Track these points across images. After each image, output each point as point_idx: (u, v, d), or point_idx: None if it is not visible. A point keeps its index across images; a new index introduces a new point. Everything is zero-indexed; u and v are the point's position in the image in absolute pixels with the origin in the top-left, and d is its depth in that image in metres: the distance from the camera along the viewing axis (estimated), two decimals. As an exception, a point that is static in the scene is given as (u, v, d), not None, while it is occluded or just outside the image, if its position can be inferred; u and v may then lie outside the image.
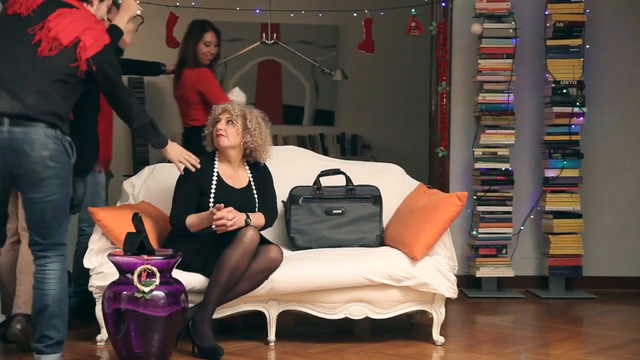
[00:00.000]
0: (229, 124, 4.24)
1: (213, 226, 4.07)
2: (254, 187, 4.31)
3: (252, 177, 4.33)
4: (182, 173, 4.20)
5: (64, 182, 3.50)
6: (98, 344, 4.16)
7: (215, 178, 4.24)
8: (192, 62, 5.15)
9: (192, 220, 4.15)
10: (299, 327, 4.63)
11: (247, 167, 4.35)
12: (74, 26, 3.57)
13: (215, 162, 4.30)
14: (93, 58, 3.56)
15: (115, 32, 4.21)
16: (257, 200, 4.29)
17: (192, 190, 4.21)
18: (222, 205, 4.07)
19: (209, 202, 4.19)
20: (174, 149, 4.13)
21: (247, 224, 4.09)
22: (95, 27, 3.64)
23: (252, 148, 4.27)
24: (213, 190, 4.21)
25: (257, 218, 4.21)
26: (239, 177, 4.31)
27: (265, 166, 4.38)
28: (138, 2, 4.35)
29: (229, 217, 4.05)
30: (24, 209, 3.55)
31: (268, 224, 4.30)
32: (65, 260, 3.59)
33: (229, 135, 4.23)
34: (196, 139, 4.54)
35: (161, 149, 4.07)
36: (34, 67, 3.47)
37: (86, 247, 4.19)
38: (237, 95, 5.21)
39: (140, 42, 5.34)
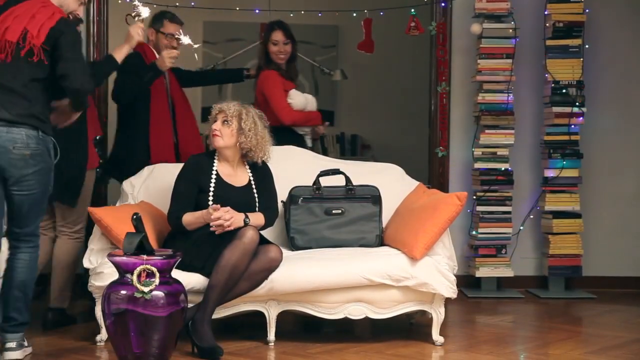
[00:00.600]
0: (225, 124, 4.23)
1: (211, 227, 4.07)
2: (254, 186, 4.31)
3: (252, 176, 4.33)
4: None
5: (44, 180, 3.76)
6: (98, 344, 4.16)
7: (214, 176, 4.24)
8: (263, 63, 5.20)
9: (188, 218, 4.15)
10: (298, 328, 4.63)
11: (247, 166, 4.35)
12: (19, 20, 3.70)
13: (215, 161, 4.30)
14: (45, 43, 3.69)
15: (109, 61, 4.38)
16: (257, 199, 4.29)
17: (191, 188, 4.21)
18: (219, 205, 4.07)
19: (208, 200, 4.20)
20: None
21: (245, 224, 4.09)
22: (42, 11, 3.72)
23: (247, 148, 4.27)
24: (212, 189, 4.21)
25: (257, 218, 4.21)
26: (238, 175, 4.31)
27: (265, 165, 4.37)
28: (141, 33, 4.44)
29: (226, 217, 4.05)
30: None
31: (268, 223, 4.30)
32: (37, 251, 3.90)
33: (224, 136, 4.23)
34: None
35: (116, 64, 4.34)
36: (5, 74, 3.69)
37: None
38: (294, 98, 5.17)
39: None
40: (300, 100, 5.18)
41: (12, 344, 3.81)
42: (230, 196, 4.20)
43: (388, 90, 8.03)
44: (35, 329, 4.56)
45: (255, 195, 4.29)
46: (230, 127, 4.23)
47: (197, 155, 4.39)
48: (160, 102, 4.92)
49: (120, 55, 4.38)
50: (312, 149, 5.22)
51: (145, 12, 4.43)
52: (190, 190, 4.21)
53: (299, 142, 5.12)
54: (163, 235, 4.28)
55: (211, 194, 4.20)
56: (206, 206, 4.17)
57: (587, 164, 5.73)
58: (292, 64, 5.27)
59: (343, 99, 8.23)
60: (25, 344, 3.89)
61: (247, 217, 4.13)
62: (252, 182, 4.31)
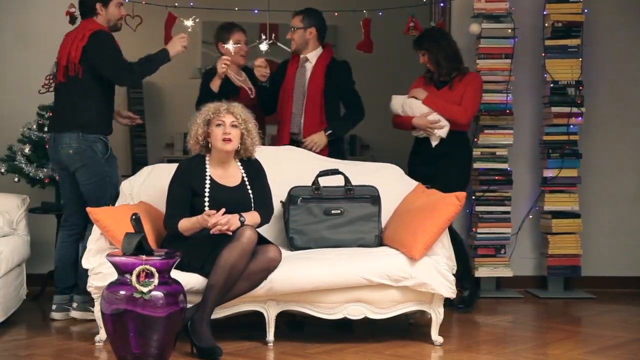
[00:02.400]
0: (234, 127, 4.23)
1: (210, 231, 4.06)
2: (247, 184, 4.29)
3: (245, 173, 4.32)
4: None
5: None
6: (97, 344, 4.16)
7: (207, 180, 4.23)
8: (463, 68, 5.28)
9: (184, 224, 4.14)
10: (298, 327, 4.64)
11: (239, 164, 4.34)
12: (65, 44, 4.68)
13: (207, 164, 4.28)
14: (81, 60, 4.56)
15: (161, 52, 4.76)
16: (252, 197, 4.28)
17: (185, 192, 4.20)
18: (213, 211, 4.06)
19: (204, 203, 4.19)
20: (172, 45, 4.77)
21: (242, 223, 4.08)
22: (78, 34, 4.66)
23: (245, 147, 4.27)
24: (207, 192, 4.20)
25: (252, 216, 4.20)
26: (231, 175, 4.29)
27: (257, 161, 4.36)
28: (183, 45, 4.76)
29: (222, 221, 4.04)
30: None
31: (264, 220, 4.29)
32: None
33: (234, 139, 4.22)
34: None
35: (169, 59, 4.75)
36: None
37: None
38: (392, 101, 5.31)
39: (139, 42, 5.34)
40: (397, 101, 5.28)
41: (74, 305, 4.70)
42: (225, 197, 4.19)
43: (387, 90, 8.00)
44: (35, 329, 4.57)
45: (250, 193, 4.28)
46: (238, 130, 4.22)
47: (187, 159, 4.36)
48: None
49: (170, 51, 4.77)
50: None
51: (188, 23, 4.85)
52: (185, 195, 4.20)
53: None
54: (162, 235, 4.28)
55: (206, 197, 4.19)
56: (202, 209, 4.16)
57: (586, 164, 5.73)
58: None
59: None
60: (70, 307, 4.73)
61: (241, 216, 4.12)
62: (246, 180, 4.30)
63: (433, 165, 5.10)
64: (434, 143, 5.14)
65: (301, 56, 5.20)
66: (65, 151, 4.61)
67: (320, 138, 5.07)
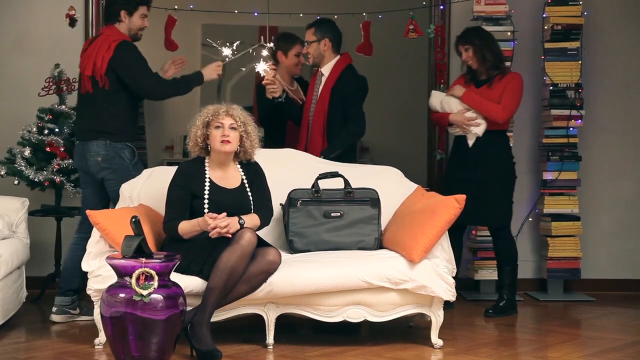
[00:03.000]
0: (232, 129, 4.22)
1: (210, 234, 4.06)
2: (247, 186, 4.29)
3: (244, 176, 4.31)
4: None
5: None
6: (96, 347, 4.15)
7: (207, 182, 4.23)
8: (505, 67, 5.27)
9: (184, 227, 4.14)
10: (298, 330, 4.63)
11: (238, 166, 4.34)
12: (90, 53, 4.73)
13: (206, 166, 4.28)
14: (107, 71, 4.64)
15: (196, 75, 4.91)
16: (251, 199, 4.28)
17: (184, 195, 4.20)
18: (215, 215, 4.06)
19: (204, 205, 4.18)
20: (208, 70, 4.91)
21: (241, 226, 4.08)
22: (102, 44, 4.70)
23: (244, 150, 4.27)
24: (207, 194, 4.20)
25: (251, 219, 4.20)
26: (230, 177, 4.29)
27: (256, 164, 4.36)
28: (218, 73, 4.93)
29: (222, 225, 4.03)
30: None
31: (264, 223, 4.29)
32: None
33: (233, 141, 4.22)
34: None
35: (202, 82, 4.89)
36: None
37: None
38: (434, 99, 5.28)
39: (139, 45, 5.34)
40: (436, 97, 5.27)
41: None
42: (225, 199, 4.19)
43: (387, 93, 8.02)
44: (34, 332, 4.57)
45: (250, 195, 4.28)
46: (237, 132, 4.22)
47: (186, 162, 4.35)
48: None
49: (205, 76, 4.91)
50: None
51: (227, 52, 4.98)
52: (184, 198, 4.20)
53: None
54: (161, 238, 4.28)
55: (206, 199, 4.19)
56: (201, 212, 4.15)
57: (586, 167, 5.74)
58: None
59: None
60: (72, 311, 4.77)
61: (241, 218, 4.12)
62: (245, 182, 4.30)
63: (472, 168, 5.10)
64: (470, 142, 5.13)
65: (319, 70, 5.20)
66: (94, 159, 4.70)
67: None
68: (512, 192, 5.21)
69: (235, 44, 4.98)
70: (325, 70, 5.16)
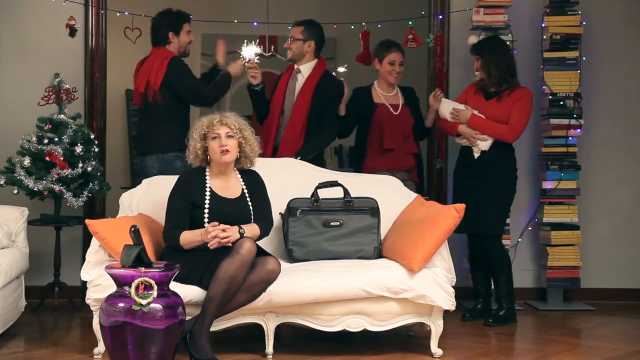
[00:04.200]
0: (229, 138, 4.23)
1: (209, 244, 4.06)
2: (247, 196, 4.29)
3: (245, 185, 4.31)
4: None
5: None
6: (95, 356, 4.15)
7: (207, 192, 4.23)
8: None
9: (185, 237, 4.14)
10: (298, 339, 4.63)
11: (239, 176, 4.34)
12: (143, 71, 5.07)
13: (207, 176, 4.28)
14: (161, 86, 4.97)
15: (228, 76, 5.22)
16: (251, 209, 4.28)
17: (185, 205, 4.19)
18: (217, 223, 4.06)
19: (204, 215, 4.18)
20: (233, 68, 5.21)
21: (241, 235, 4.08)
22: (155, 62, 5.04)
23: (245, 155, 4.28)
24: (207, 204, 4.20)
25: (251, 228, 4.19)
26: (231, 187, 4.29)
27: (256, 173, 4.36)
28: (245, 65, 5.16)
29: (222, 235, 4.03)
30: None
31: (264, 232, 4.28)
32: None
33: (232, 150, 4.22)
34: None
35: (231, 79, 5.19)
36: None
37: None
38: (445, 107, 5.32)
39: (139, 55, 5.35)
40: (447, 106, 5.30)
41: None
42: (225, 209, 4.18)
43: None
44: (33, 341, 4.56)
45: (250, 205, 4.28)
46: (234, 139, 4.23)
47: (187, 172, 4.36)
48: None
49: (231, 71, 5.23)
50: None
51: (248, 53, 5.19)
52: (185, 208, 4.19)
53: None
54: (161, 247, 4.28)
55: (206, 209, 4.19)
56: (202, 222, 4.15)
57: (585, 176, 5.74)
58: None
59: (341, 111, 8.21)
60: None
61: (241, 228, 4.12)
62: (246, 192, 4.30)
63: (477, 177, 5.11)
64: (476, 154, 5.14)
65: (295, 67, 5.23)
66: (151, 172, 4.97)
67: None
68: (509, 204, 5.22)
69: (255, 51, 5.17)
70: (305, 70, 5.21)
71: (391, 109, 5.32)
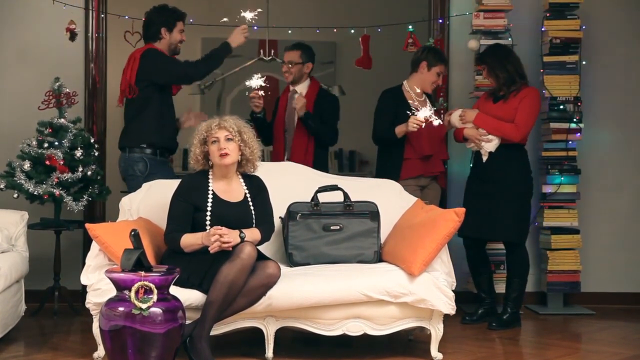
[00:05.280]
0: (228, 141, 4.23)
1: (209, 247, 4.06)
2: (250, 201, 4.29)
3: (247, 190, 4.32)
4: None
5: None
6: (95, 361, 4.14)
7: (210, 195, 4.23)
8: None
9: (187, 240, 4.14)
10: (298, 344, 4.62)
11: (241, 180, 4.34)
12: (124, 70, 4.99)
13: (210, 179, 4.29)
14: (137, 80, 4.92)
15: (223, 45, 5.13)
16: (253, 214, 4.28)
17: (186, 208, 4.20)
18: (221, 228, 4.05)
19: (206, 218, 4.18)
20: (234, 37, 5.12)
21: (242, 239, 4.08)
22: (130, 58, 4.98)
23: (246, 158, 4.28)
24: (209, 207, 4.20)
25: (252, 233, 4.20)
26: (234, 191, 4.29)
27: (259, 179, 4.36)
28: (245, 36, 5.12)
29: (223, 239, 4.03)
30: None
31: (265, 238, 4.29)
32: None
33: (232, 153, 4.22)
34: None
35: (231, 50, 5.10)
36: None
37: None
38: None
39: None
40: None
41: None
42: (227, 213, 4.19)
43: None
44: (33, 345, 4.56)
45: (252, 210, 4.28)
46: (234, 142, 4.23)
47: (190, 174, 4.36)
48: None
49: (232, 43, 5.13)
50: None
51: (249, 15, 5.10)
52: (186, 211, 4.20)
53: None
54: (161, 251, 4.28)
55: (209, 212, 4.19)
56: (204, 225, 4.16)
57: (585, 180, 5.74)
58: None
59: (341, 114, 8.21)
60: None
61: (241, 232, 4.12)
62: (248, 197, 4.30)
63: (487, 181, 5.12)
64: (484, 157, 5.15)
65: (291, 88, 5.39)
66: (120, 170, 5.09)
67: (300, 101, 5.29)
68: (529, 207, 5.20)
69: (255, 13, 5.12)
70: (301, 89, 5.45)
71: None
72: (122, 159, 5.05)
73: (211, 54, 5.09)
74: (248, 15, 5.05)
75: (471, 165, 5.33)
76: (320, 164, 5.28)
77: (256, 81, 5.12)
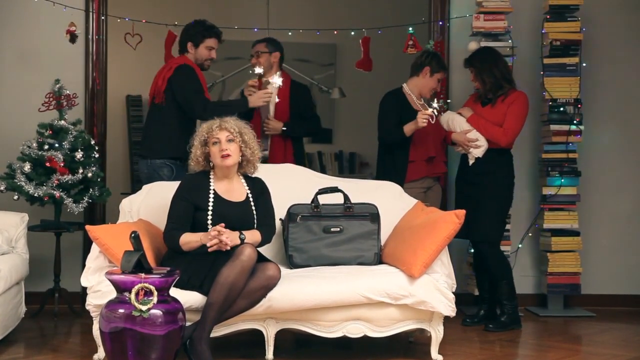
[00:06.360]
0: (229, 142, 4.23)
1: (208, 246, 4.05)
2: (252, 201, 4.30)
3: (249, 191, 4.32)
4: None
5: None
6: (95, 362, 4.14)
7: (212, 195, 4.24)
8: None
9: (186, 238, 4.14)
10: (298, 345, 4.62)
11: (243, 181, 4.34)
12: (157, 75, 5.09)
13: (211, 179, 4.29)
14: (165, 89, 5.00)
15: (242, 101, 5.21)
16: (255, 215, 4.28)
17: (187, 207, 4.20)
18: (223, 225, 4.06)
19: (208, 218, 4.19)
20: (252, 100, 5.12)
21: (242, 241, 4.08)
22: (166, 66, 5.08)
23: (247, 159, 4.28)
24: (211, 207, 4.20)
25: (252, 234, 4.20)
26: (235, 190, 4.30)
27: (262, 181, 4.37)
28: (264, 101, 5.16)
29: (222, 238, 4.03)
30: None
31: (266, 239, 4.29)
32: None
33: (233, 153, 4.23)
34: None
35: (247, 108, 5.14)
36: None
37: None
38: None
39: (140, 61, 5.36)
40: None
41: None
42: (229, 212, 4.19)
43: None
44: (33, 347, 4.55)
45: (254, 211, 4.28)
46: (235, 143, 4.23)
47: (191, 174, 4.37)
48: None
49: (251, 102, 5.14)
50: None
51: (277, 81, 5.19)
52: (187, 210, 4.20)
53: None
54: (161, 253, 4.28)
55: (210, 212, 4.19)
56: (205, 224, 4.16)
57: (585, 182, 5.74)
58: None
59: (341, 116, 8.24)
60: None
61: (241, 233, 4.12)
62: (250, 198, 4.30)
63: (474, 183, 5.14)
64: (470, 161, 5.18)
65: (263, 80, 5.33)
66: (142, 176, 5.14)
67: (275, 125, 5.39)
68: (505, 211, 5.23)
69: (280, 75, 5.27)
70: (276, 79, 5.32)
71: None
72: (143, 164, 5.12)
73: (229, 103, 5.25)
74: (276, 81, 5.17)
75: (458, 167, 5.35)
76: (299, 160, 5.39)
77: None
